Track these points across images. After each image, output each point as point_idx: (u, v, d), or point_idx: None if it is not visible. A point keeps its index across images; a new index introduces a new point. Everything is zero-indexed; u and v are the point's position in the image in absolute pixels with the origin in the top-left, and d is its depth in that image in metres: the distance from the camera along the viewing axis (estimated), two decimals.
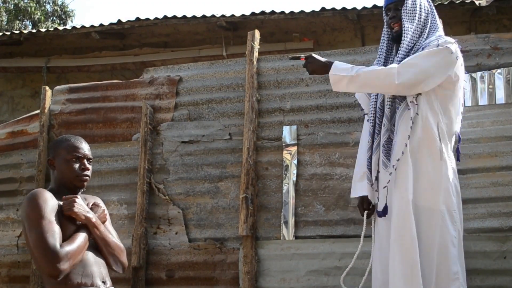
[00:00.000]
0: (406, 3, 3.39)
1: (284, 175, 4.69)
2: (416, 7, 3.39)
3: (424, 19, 3.40)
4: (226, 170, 4.88)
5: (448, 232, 3.27)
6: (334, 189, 4.58)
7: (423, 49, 3.35)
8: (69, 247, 2.67)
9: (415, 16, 3.37)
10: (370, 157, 3.49)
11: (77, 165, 2.92)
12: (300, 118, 4.79)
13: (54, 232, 2.66)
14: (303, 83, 4.85)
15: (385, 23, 3.56)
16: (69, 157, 2.91)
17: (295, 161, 4.69)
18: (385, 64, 3.54)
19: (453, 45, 3.35)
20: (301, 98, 4.82)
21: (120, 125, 5.28)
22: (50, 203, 2.75)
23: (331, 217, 4.55)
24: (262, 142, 4.83)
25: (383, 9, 3.58)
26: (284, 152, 4.74)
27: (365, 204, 3.56)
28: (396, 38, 3.49)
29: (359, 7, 7.94)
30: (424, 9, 3.41)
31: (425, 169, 3.28)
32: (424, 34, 3.37)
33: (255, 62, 4.92)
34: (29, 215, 2.70)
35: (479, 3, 7.44)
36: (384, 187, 3.33)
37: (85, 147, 2.99)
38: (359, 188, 3.60)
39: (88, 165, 2.96)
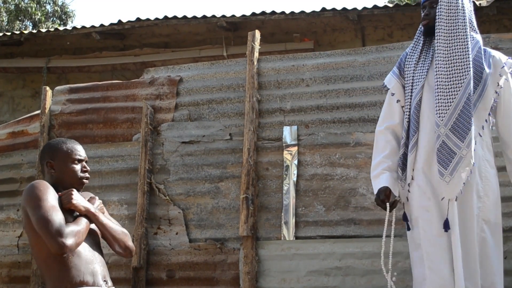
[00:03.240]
0: (441, 1, 3.32)
1: (284, 176, 4.69)
2: (451, 4, 3.31)
3: (462, 15, 3.30)
4: (226, 171, 4.88)
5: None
6: (335, 189, 4.58)
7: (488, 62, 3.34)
8: (74, 226, 2.75)
9: (450, 13, 3.30)
10: (404, 155, 3.40)
11: (78, 167, 2.97)
12: (301, 118, 4.79)
13: (58, 213, 2.72)
14: (304, 83, 4.85)
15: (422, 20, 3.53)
16: (70, 159, 2.97)
17: (296, 162, 4.69)
18: (417, 63, 3.45)
19: None
20: (301, 98, 4.82)
21: (120, 126, 5.29)
22: (51, 190, 2.83)
23: (331, 217, 4.55)
24: (263, 142, 4.83)
25: (420, 6, 3.55)
26: (285, 152, 4.74)
27: (381, 195, 3.34)
28: (427, 32, 3.44)
29: (359, 8, 7.93)
30: (461, 7, 3.31)
31: (491, 185, 3.27)
32: (466, 30, 3.28)
33: (255, 63, 4.92)
34: (32, 199, 2.75)
35: (480, 3, 7.44)
36: (442, 198, 3.22)
37: (82, 150, 3.08)
38: (376, 184, 3.41)
39: (87, 167, 3.03)
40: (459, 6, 3.31)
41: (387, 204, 3.33)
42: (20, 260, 5.34)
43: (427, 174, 3.30)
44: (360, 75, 4.71)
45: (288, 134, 4.77)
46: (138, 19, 8.63)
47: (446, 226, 3.16)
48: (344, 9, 7.96)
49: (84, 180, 2.99)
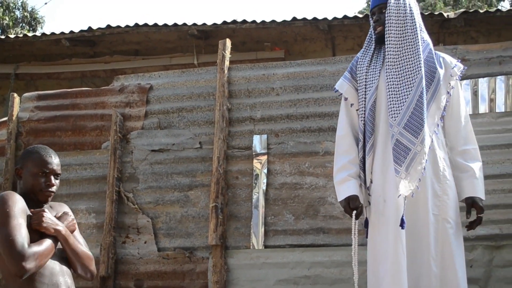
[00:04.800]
0: (389, 5, 3.38)
1: (254, 184, 4.70)
2: (400, 8, 3.36)
3: (411, 18, 3.35)
4: (196, 179, 4.86)
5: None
6: (304, 198, 4.60)
7: (440, 62, 3.37)
8: (37, 248, 2.67)
9: (399, 17, 3.34)
10: (364, 158, 3.37)
11: (42, 180, 2.87)
12: (271, 127, 4.80)
13: (22, 232, 2.65)
14: (274, 92, 4.86)
15: (371, 27, 3.54)
16: (36, 170, 2.87)
17: (265, 170, 4.70)
18: (370, 64, 3.46)
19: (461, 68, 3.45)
20: (271, 107, 4.84)
21: (89, 133, 5.25)
22: (19, 205, 2.74)
23: (300, 226, 4.56)
24: (232, 151, 4.83)
25: (369, 13, 3.57)
26: (254, 161, 4.75)
27: (351, 203, 3.31)
28: (379, 40, 3.46)
29: (330, 18, 7.98)
30: (409, 10, 3.36)
31: (450, 183, 3.27)
32: (416, 32, 3.32)
33: (226, 71, 4.93)
34: None
35: (448, 15, 7.54)
36: (399, 196, 3.16)
37: (54, 162, 2.93)
38: (343, 190, 3.36)
39: (53, 181, 2.91)
40: (407, 9, 3.37)
41: (353, 213, 3.32)
42: None
43: (384, 175, 3.30)
44: (330, 84, 4.73)
45: (258, 143, 4.78)
46: (108, 26, 8.57)
47: (402, 223, 3.14)
48: (315, 19, 8.00)
49: (47, 194, 2.88)
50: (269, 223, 4.62)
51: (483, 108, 4.52)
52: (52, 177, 2.91)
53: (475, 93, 4.54)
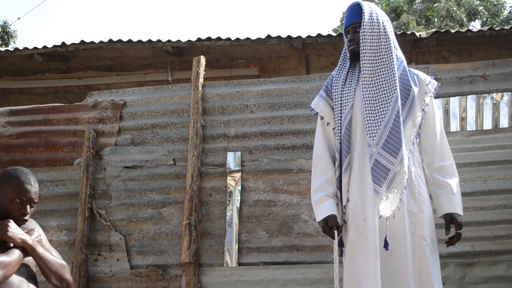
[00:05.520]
0: (364, 24, 3.41)
1: (228, 201, 4.69)
2: (374, 26, 3.38)
3: (385, 36, 3.38)
4: (169, 196, 4.84)
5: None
6: (278, 215, 4.60)
7: (414, 80, 3.39)
8: (4, 258, 2.65)
9: (373, 36, 3.36)
10: (340, 177, 3.34)
11: (17, 207, 2.85)
12: (245, 144, 4.81)
13: None
14: (248, 109, 4.88)
15: (345, 44, 3.55)
16: (13, 196, 2.84)
17: (239, 187, 4.70)
18: (345, 82, 3.48)
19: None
20: (245, 124, 4.85)
21: (61, 149, 5.20)
22: None
23: (274, 243, 4.56)
24: (206, 168, 4.82)
25: (344, 31, 3.58)
26: (228, 178, 4.75)
27: (330, 221, 3.26)
28: (353, 56, 3.48)
29: (304, 36, 8.04)
30: (383, 28, 3.37)
31: (425, 201, 3.28)
32: (390, 50, 3.35)
33: (200, 88, 4.94)
34: None
35: (420, 35, 7.64)
36: (380, 217, 3.15)
37: (32, 190, 2.90)
38: (321, 210, 3.32)
39: (29, 210, 2.89)
40: (380, 28, 3.39)
41: (335, 232, 3.32)
42: None
43: (362, 194, 3.32)
44: (303, 102, 4.76)
45: (232, 160, 4.78)
46: (82, 42, 8.52)
47: (386, 244, 3.14)
48: (289, 37, 8.05)
49: (19, 223, 2.84)
50: (243, 241, 4.61)
51: (454, 126, 4.58)
52: (28, 206, 2.88)
53: (446, 112, 4.60)
